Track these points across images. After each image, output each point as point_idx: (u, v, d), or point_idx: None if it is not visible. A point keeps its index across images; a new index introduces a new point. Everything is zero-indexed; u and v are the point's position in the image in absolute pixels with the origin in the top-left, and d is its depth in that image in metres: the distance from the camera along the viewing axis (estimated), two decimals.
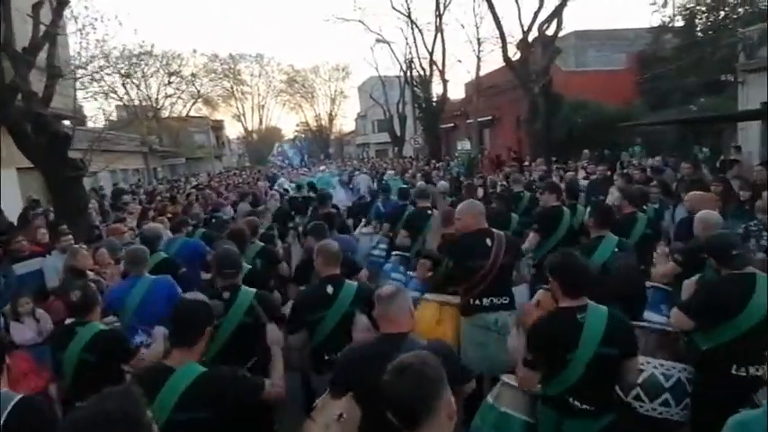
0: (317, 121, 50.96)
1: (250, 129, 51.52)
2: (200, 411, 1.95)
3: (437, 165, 17.59)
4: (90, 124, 15.62)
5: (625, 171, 7.79)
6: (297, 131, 57.46)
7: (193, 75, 33.05)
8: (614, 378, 2.38)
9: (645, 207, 4.98)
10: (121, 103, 24.71)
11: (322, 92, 49.08)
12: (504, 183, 8.98)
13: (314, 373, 3.10)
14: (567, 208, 4.76)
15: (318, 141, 51.04)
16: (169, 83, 29.98)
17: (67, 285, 3.39)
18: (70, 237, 5.06)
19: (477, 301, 3.31)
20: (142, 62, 23.07)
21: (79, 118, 12.62)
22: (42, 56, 7.39)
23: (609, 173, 7.93)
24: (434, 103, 24.18)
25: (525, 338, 2.43)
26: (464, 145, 19.47)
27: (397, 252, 5.29)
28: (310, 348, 3.07)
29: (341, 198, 10.96)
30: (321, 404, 2.49)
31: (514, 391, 2.56)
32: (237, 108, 49.18)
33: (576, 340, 2.24)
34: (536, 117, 14.46)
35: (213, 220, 7.22)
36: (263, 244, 4.74)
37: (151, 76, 28.90)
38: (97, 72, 12.14)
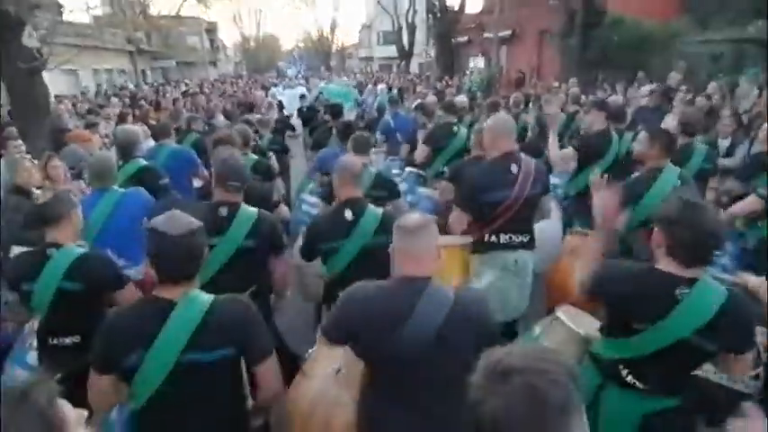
0: (317, 30, 47.78)
1: (247, 35, 48.32)
2: (219, 349, 1.60)
3: (450, 82, 16.33)
4: (70, 17, 14.06)
5: (690, 97, 6.86)
6: (298, 42, 54.42)
7: None
8: (695, 368, 1.86)
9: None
10: None
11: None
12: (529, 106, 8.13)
13: (326, 309, 2.74)
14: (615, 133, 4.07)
15: (319, 53, 48.28)
16: None
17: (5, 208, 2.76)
18: (20, 143, 4.29)
19: (493, 238, 2.83)
20: None
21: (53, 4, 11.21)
22: None
23: (664, 100, 6.97)
24: (450, 12, 22.06)
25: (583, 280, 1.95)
26: (477, 62, 18.09)
27: (413, 169, 4.71)
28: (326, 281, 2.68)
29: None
30: (315, 355, 2.12)
31: (568, 330, 2.16)
32: (233, 10, 45.64)
33: (658, 316, 1.69)
34: (571, 31, 12.98)
35: (207, 128, 6.43)
36: (256, 157, 4.12)
37: None
38: None
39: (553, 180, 4.88)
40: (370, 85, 17.35)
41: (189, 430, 1.64)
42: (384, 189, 3.42)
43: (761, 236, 3.12)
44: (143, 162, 3.80)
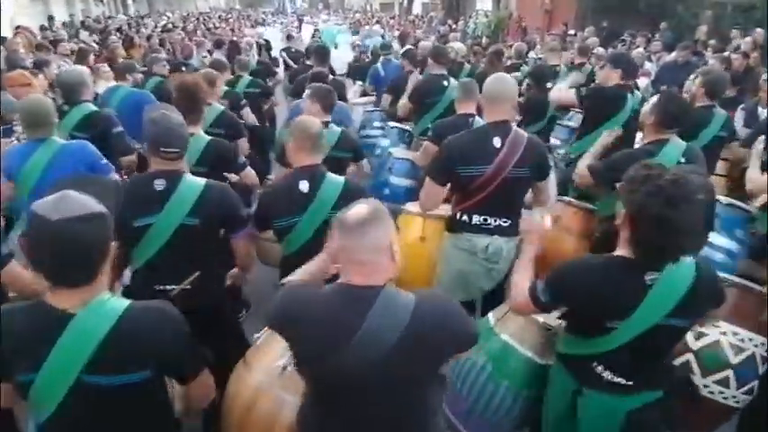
0: None
1: None
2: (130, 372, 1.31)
3: (454, 26, 15.43)
4: None
5: (726, 54, 6.33)
6: None
7: None
8: (671, 348, 1.77)
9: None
10: None
11: None
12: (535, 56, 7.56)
13: None
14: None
15: None
16: None
17: None
18: None
19: (465, 217, 2.51)
20: None
21: None
22: None
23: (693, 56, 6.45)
24: None
25: (535, 278, 1.77)
26: (485, 5, 17.04)
27: (396, 124, 4.36)
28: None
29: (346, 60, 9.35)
30: (261, 343, 1.90)
31: (526, 319, 1.99)
32: None
33: (630, 308, 1.56)
34: None
35: (183, 69, 5.91)
36: (221, 108, 3.71)
37: None
38: None
39: (552, 141, 4.59)
40: (366, 27, 16.45)
41: None
42: (348, 149, 3.13)
43: None
44: (91, 107, 3.44)
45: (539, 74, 4.49)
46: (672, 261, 1.54)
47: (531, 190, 2.61)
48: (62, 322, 1.25)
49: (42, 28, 9.51)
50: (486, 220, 2.48)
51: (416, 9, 25.61)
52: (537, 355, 1.98)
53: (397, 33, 12.44)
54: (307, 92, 3.25)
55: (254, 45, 7.17)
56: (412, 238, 2.89)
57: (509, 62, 6.07)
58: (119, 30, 10.74)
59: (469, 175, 2.40)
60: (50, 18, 12.71)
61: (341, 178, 2.30)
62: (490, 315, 2.16)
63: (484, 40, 11.15)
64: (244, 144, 3.70)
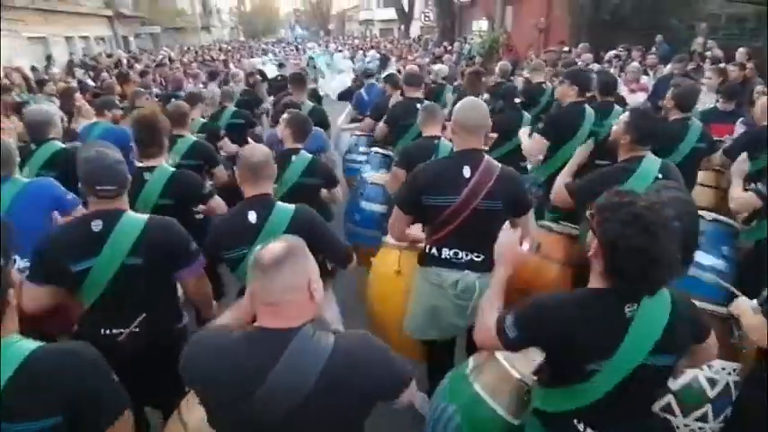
0: None
1: None
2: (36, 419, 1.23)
3: (449, 48, 15.61)
4: None
5: (722, 66, 6.26)
6: (295, 5, 52.81)
7: None
8: (657, 392, 1.65)
9: None
10: None
11: None
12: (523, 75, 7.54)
13: None
14: (590, 107, 3.62)
15: (318, 16, 46.90)
16: None
17: None
18: None
19: (434, 250, 2.40)
20: None
21: None
22: None
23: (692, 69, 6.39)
24: None
25: (505, 309, 1.62)
26: (481, 25, 17.23)
27: (379, 149, 4.35)
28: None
29: (334, 86, 9.50)
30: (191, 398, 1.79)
31: (502, 371, 1.86)
32: None
33: (613, 345, 1.42)
34: None
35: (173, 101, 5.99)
36: (194, 139, 3.72)
37: None
38: None
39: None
40: (360, 52, 16.71)
41: None
42: (318, 176, 3.11)
43: (759, 238, 2.72)
44: (58, 145, 3.43)
45: (507, 92, 4.45)
46: (650, 293, 1.42)
47: None
48: None
49: (33, 68, 9.72)
50: (456, 254, 2.36)
51: (415, 32, 26.06)
52: (508, 412, 1.82)
53: (394, 58, 12.62)
54: (282, 119, 3.26)
55: (242, 75, 7.22)
56: (388, 270, 2.80)
57: (495, 81, 6.05)
58: (116, 66, 10.95)
59: (437, 205, 2.30)
60: (48, 57, 13.06)
61: (291, 206, 2.24)
62: (471, 359, 2.03)
63: (477, 60, 11.20)
64: (220, 172, 3.69)
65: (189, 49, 20.18)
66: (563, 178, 2.85)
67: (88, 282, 1.97)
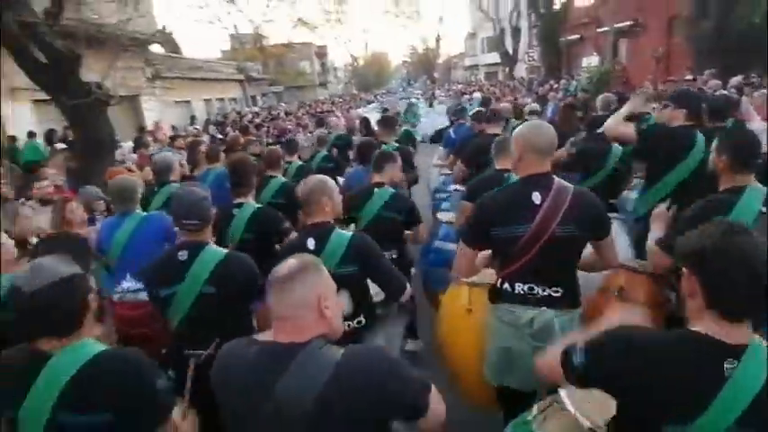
0: (423, 43, 48.53)
1: (356, 54, 51.00)
2: (94, 412, 1.42)
3: (555, 85, 15.20)
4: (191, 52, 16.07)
5: None
6: (404, 57, 55.89)
7: None
8: None
9: None
10: (226, 29, 25.59)
11: (428, 10, 46.18)
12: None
13: None
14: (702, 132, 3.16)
15: (425, 65, 48.93)
16: (267, 6, 30.33)
17: None
18: (46, 183, 4.31)
19: (506, 286, 2.21)
20: None
21: (168, 42, 12.76)
22: None
23: None
24: (556, 10, 20.71)
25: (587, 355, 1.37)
26: (591, 61, 16.55)
27: (457, 187, 4.35)
28: None
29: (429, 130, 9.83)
30: None
31: (570, 419, 1.66)
32: (341, 32, 48.59)
33: (702, 406, 1.20)
34: (705, 14, 11.21)
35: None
36: (284, 180, 4.06)
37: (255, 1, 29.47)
38: None
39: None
40: (465, 97, 17.00)
41: None
42: (398, 211, 3.17)
43: None
44: (176, 187, 4.02)
45: (595, 122, 4.16)
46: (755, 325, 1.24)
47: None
48: (40, 363, 1.41)
49: (173, 127, 11.56)
50: (531, 288, 2.14)
51: (520, 74, 25.86)
52: None
53: (478, 95, 12.68)
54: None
55: (342, 123, 7.82)
56: (458, 308, 2.67)
57: (595, 115, 5.75)
58: (240, 121, 12.59)
59: (507, 237, 2.13)
60: (192, 118, 15.42)
61: (348, 234, 2.33)
62: (535, 405, 1.85)
63: (581, 96, 10.73)
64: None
65: (305, 103, 22.30)
66: (653, 239, 2.46)
67: (173, 306, 2.23)
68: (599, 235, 2.18)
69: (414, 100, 16.67)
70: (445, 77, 48.21)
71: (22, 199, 4.21)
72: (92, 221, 3.81)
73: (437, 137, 7.34)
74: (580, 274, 2.27)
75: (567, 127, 4.69)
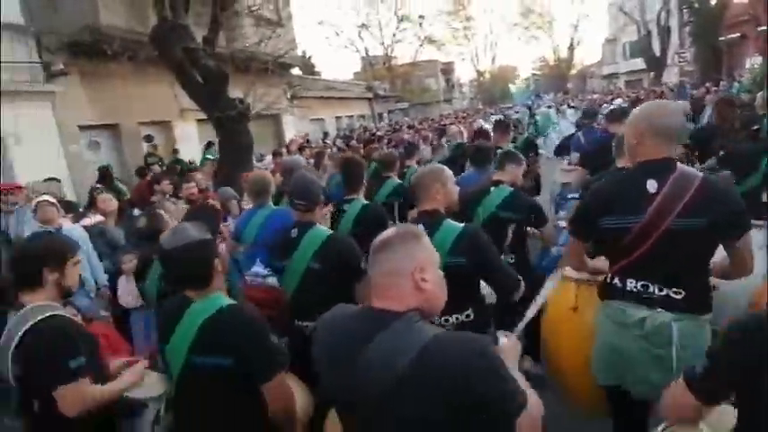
0: (554, 53, 46.30)
1: (482, 69, 50.60)
2: (216, 356, 1.67)
3: (713, 88, 13.38)
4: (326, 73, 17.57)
5: None
6: (533, 69, 53.94)
7: (421, 17, 34.16)
8: None
9: None
10: (357, 52, 27.52)
11: (561, 18, 44.15)
12: None
13: None
14: None
15: (556, 77, 46.59)
16: (398, 27, 31.83)
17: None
18: (193, 185, 5.02)
19: (617, 281, 2.03)
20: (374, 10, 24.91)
21: (306, 65, 14.04)
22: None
23: None
24: (711, 5, 18.28)
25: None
26: (755, 62, 14.23)
27: (575, 195, 4.07)
28: None
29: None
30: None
31: None
32: (468, 48, 48.72)
33: None
34: None
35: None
36: (398, 182, 4.23)
37: (386, 25, 31.24)
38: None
39: None
40: (604, 105, 15.83)
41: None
42: (516, 210, 3.07)
43: None
44: None
45: (749, 120, 3.57)
46: None
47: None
48: (184, 308, 1.71)
49: (307, 141, 12.73)
50: (646, 287, 1.93)
51: (669, 79, 23.20)
52: None
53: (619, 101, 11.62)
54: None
55: (461, 132, 7.89)
56: (563, 307, 2.53)
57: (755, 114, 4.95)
58: (364, 134, 13.38)
59: (617, 228, 1.95)
60: (325, 134, 16.84)
61: (459, 225, 2.26)
62: (662, 424, 1.61)
63: (742, 95, 9.29)
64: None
65: (428, 117, 22.80)
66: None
67: (287, 278, 2.49)
68: (730, 233, 1.85)
69: (543, 109, 15.94)
70: (579, 88, 45.26)
71: (173, 198, 5.05)
72: (225, 219, 4.40)
73: (561, 149, 6.91)
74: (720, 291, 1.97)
75: (723, 122, 4.11)
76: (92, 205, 5.09)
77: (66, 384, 1.68)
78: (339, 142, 12.26)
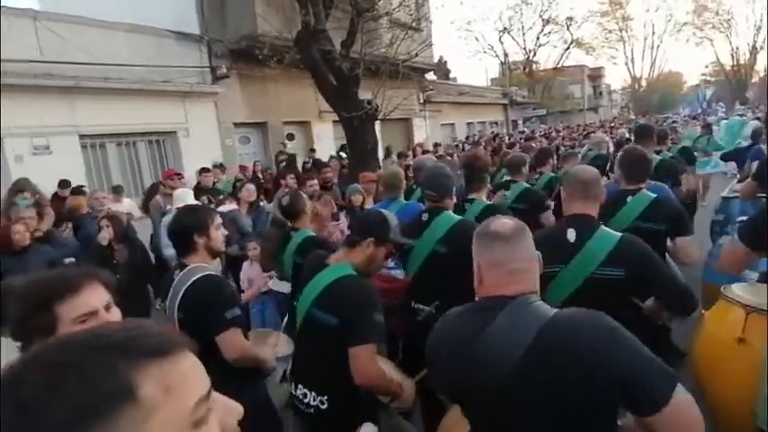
0: (733, 57, 40.12)
1: (638, 75, 45.93)
2: (330, 314, 1.90)
3: None
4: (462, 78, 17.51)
5: None
6: (704, 75, 47.23)
7: (569, 18, 32.12)
8: None
9: None
10: (496, 57, 26.95)
11: (743, 16, 38.22)
12: None
13: None
14: None
15: (734, 84, 40.24)
16: (542, 31, 30.39)
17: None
18: (314, 182, 5.36)
19: None
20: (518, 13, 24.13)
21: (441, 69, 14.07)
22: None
23: None
24: None
25: None
26: None
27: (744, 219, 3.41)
28: None
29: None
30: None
31: None
32: (624, 52, 44.44)
33: None
34: None
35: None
36: (525, 186, 3.99)
37: (530, 29, 30.20)
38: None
39: None
40: None
41: (304, 381, 1.95)
42: (661, 221, 2.62)
43: None
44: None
45: None
46: None
47: None
48: (321, 268, 2.00)
49: (436, 144, 12.85)
50: None
51: None
52: None
53: None
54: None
55: (602, 139, 7.14)
56: (726, 335, 2.17)
57: None
58: (493, 140, 12.99)
59: None
60: (454, 139, 16.74)
61: (617, 234, 2.01)
62: None
63: None
64: (547, 217, 3.74)
65: (568, 126, 21.40)
66: None
67: (411, 259, 2.62)
68: None
69: (712, 118, 13.81)
70: (761, 98, 38.56)
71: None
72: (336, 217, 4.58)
73: (731, 155, 5.87)
74: None
75: None
76: (234, 194, 5.67)
77: (225, 331, 1.94)
78: (466, 147, 12.06)
